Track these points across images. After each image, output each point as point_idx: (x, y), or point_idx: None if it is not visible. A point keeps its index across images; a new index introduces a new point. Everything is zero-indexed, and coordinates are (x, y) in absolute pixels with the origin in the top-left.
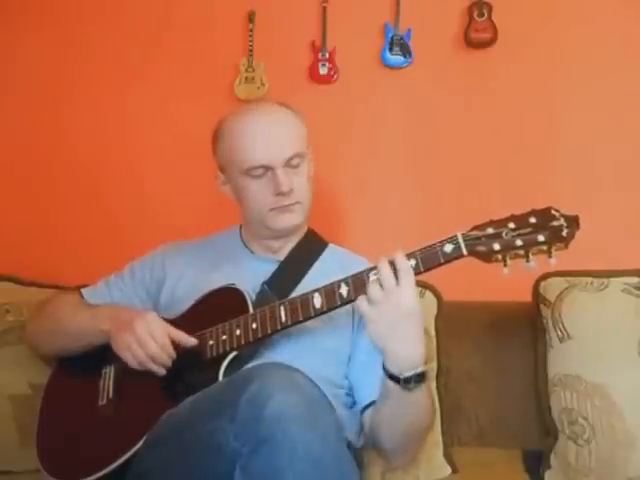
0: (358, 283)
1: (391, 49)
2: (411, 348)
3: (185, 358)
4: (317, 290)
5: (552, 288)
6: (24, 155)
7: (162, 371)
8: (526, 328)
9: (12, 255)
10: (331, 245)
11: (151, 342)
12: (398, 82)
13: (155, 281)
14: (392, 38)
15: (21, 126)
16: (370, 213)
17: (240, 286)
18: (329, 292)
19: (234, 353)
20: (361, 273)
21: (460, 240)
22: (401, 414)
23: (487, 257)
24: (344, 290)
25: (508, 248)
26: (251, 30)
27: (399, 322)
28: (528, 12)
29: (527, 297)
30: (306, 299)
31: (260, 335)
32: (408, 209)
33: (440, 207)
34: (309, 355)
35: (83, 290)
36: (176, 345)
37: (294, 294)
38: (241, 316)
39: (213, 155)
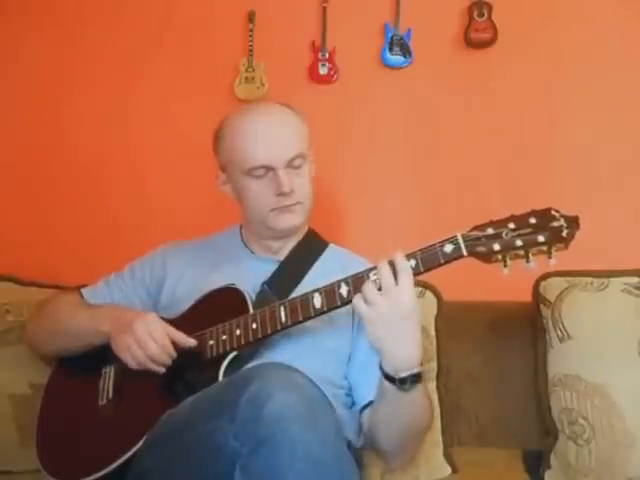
0: (358, 283)
1: (391, 49)
2: (408, 348)
3: (185, 358)
4: (317, 290)
5: (552, 288)
6: (24, 155)
7: (162, 370)
8: (526, 328)
9: (12, 255)
10: (331, 245)
11: (151, 343)
12: (398, 82)
13: (155, 281)
14: (392, 38)
15: (21, 126)
16: (370, 213)
17: (240, 286)
18: (329, 292)
19: (234, 353)
20: (361, 273)
21: (460, 240)
22: (398, 414)
23: (487, 257)
24: (344, 290)
25: (508, 248)
26: (251, 30)
27: (397, 322)
28: (528, 12)
29: (527, 297)
30: (306, 299)
31: (260, 335)
32: (408, 209)
33: (440, 207)
34: (309, 355)
35: (83, 290)
36: (175, 345)
37: (294, 294)
38: (241, 316)
39: (214, 154)
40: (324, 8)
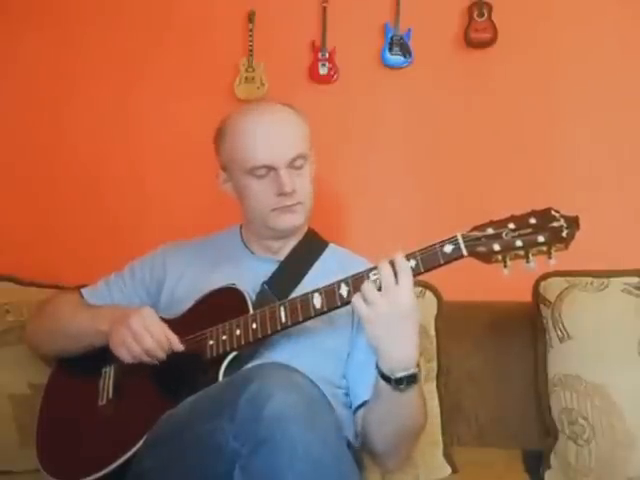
0: (358, 283)
1: (391, 49)
2: (406, 349)
3: (185, 358)
4: (317, 290)
5: (552, 288)
6: (24, 155)
7: (155, 362)
8: (526, 328)
9: (12, 255)
10: (331, 245)
11: (146, 336)
12: (398, 82)
13: (155, 281)
14: (392, 38)
15: (21, 126)
16: (370, 213)
17: (240, 286)
18: (329, 292)
19: (234, 353)
20: (361, 273)
21: (460, 241)
22: (393, 414)
23: (487, 258)
24: (344, 290)
25: (508, 249)
26: (251, 30)
27: (396, 322)
28: (528, 12)
29: (527, 297)
30: (306, 299)
31: (260, 335)
32: (408, 209)
33: (440, 207)
34: (309, 355)
35: (83, 290)
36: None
37: (294, 294)
38: (241, 316)
39: (215, 153)
40: (324, 8)
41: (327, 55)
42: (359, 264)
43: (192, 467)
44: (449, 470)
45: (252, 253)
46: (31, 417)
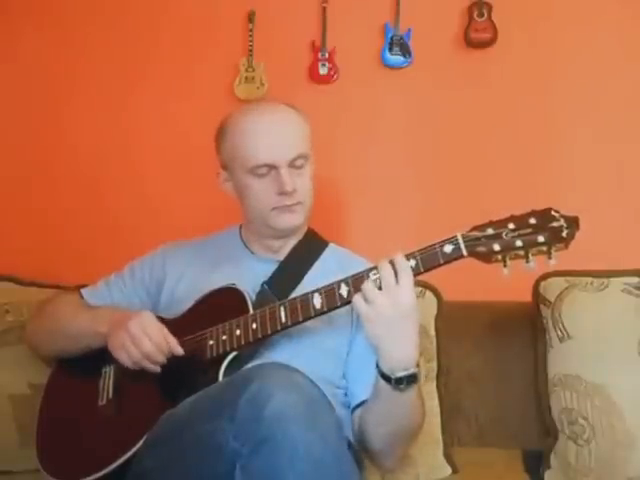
0: (358, 283)
1: (391, 49)
2: (406, 349)
3: (185, 358)
4: (317, 290)
5: (552, 288)
6: (24, 155)
7: (157, 369)
8: (526, 328)
9: (12, 255)
10: (331, 245)
11: (145, 340)
12: (398, 82)
13: (155, 281)
14: (392, 38)
15: (21, 126)
16: (370, 213)
17: (240, 286)
18: (329, 292)
19: (234, 353)
20: (361, 273)
21: (460, 241)
22: (392, 414)
23: (487, 258)
24: (344, 290)
25: (508, 249)
26: (251, 30)
27: (396, 322)
28: (528, 12)
29: (527, 297)
30: (306, 299)
31: (260, 335)
32: (408, 209)
33: (440, 207)
34: (309, 355)
35: (83, 290)
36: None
37: (294, 294)
38: (241, 316)
39: (216, 152)
40: (324, 8)
41: (327, 55)
42: (359, 264)
43: (192, 467)
44: (449, 470)
45: (252, 253)
46: (31, 417)
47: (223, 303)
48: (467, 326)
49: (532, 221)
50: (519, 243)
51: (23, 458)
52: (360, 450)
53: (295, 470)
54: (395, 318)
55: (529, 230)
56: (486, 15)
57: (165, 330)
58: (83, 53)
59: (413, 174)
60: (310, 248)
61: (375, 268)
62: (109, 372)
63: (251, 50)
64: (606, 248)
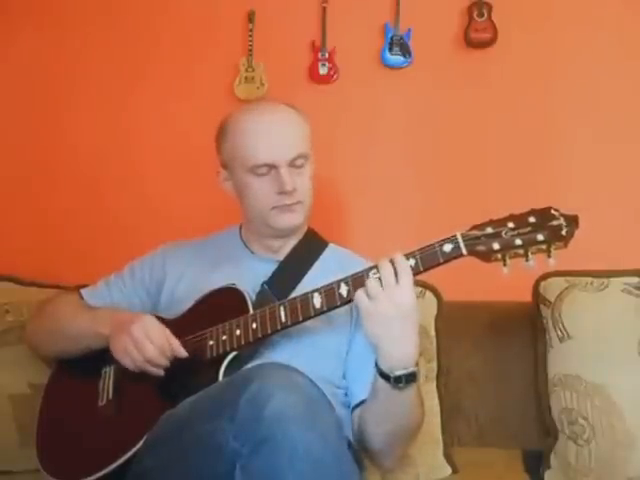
0: (358, 283)
1: (391, 49)
2: (405, 347)
3: (185, 358)
4: (317, 290)
5: (552, 288)
6: (24, 155)
7: (160, 373)
8: (526, 328)
9: (12, 255)
10: (331, 245)
11: (148, 344)
12: (398, 82)
13: (155, 281)
14: (392, 38)
15: (21, 126)
16: (370, 213)
17: (240, 286)
18: (329, 292)
19: (234, 353)
20: (361, 273)
21: (459, 240)
22: (391, 413)
23: (486, 257)
24: (344, 290)
25: (507, 247)
26: (251, 30)
27: (395, 321)
28: (528, 12)
29: (527, 297)
30: (306, 299)
31: (260, 335)
32: (408, 209)
33: (440, 207)
34: (309, 355)
35: (83, 291)
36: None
37: (294, 294)
38: (241, 316)
39: (216, 151)
40: (324, 8)
41: (327, 55)
42: (359, 264)
43: (192, 467)
44: (449, 470)
45: (252, 253)
46: (31, 417)
47: (223, 303)
48: (467, 326)
49: (531, 220)
50: (518, 242)
51: (23, 458)
52: (360, 450)
53: (295, 470)
54: (394, 317)
55: (528, 229)
56: (486, 15)
57: (168, 332)
58: (83, 53)
59: (413, 174)
60: (310, 248)
61: (375, 267)
62: (109, 372)
63: (251, 50)
64: (606, 248)
